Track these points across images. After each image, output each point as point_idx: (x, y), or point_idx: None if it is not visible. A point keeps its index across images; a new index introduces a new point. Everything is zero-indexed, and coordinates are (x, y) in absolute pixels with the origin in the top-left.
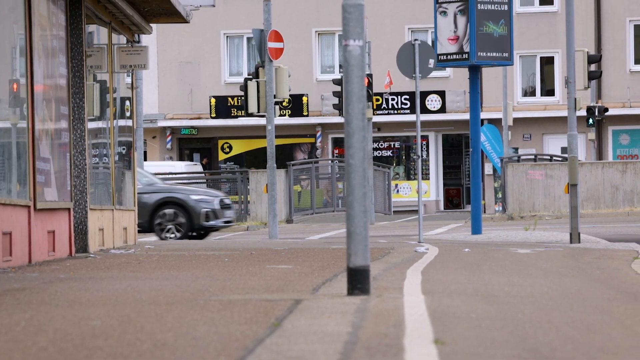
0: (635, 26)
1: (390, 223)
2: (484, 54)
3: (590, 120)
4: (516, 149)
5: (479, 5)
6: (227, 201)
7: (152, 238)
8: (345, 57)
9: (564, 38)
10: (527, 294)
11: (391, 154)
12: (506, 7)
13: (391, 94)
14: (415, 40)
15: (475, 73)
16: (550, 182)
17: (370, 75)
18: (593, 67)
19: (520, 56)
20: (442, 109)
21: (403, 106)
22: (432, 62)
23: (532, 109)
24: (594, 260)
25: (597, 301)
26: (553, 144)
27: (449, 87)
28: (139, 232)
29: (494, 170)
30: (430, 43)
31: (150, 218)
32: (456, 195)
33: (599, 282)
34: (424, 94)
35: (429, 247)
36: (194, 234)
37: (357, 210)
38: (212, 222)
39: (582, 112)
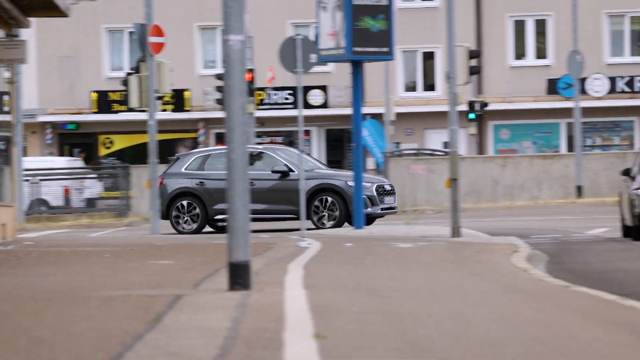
0: (515, 21)
1: None
2: (361, 49)
3: (471, 115)
4: (398, 144)
5: (354, 0)
6: (388, 187)
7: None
8: (226, 51)
9: (445, 33)
10: (408, 288)
11: None
12: (386, 2)
13: (274, 88)
14: (297, 35)
15: (357, 68)
16: (432, 176)
17: (252, 70)
18: (474, 62)
19: (402, 51)
20: (325, 104)
21: (286, 101)
22: (313, 57)
23: (414, 104)
24: (474, 254)
25: (476, 294)
26: (435, 139)
27: (331, 82)
28: (292, 219)
29: (377, 164)
30: (313, 38)
31: (308, 205)
32: None
33: (478, 276)
34: (307, 89)
35: (311, 242)
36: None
37: (239, 205)
38: (369, 210)
39: (463, 107)
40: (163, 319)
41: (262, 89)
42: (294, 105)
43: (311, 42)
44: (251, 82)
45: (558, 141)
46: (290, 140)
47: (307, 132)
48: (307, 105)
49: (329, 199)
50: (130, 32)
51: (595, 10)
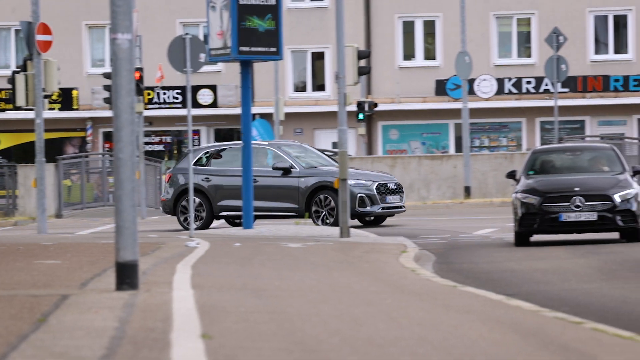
0: (404, 22)
1: (162, 218)
2: (248, 48)
3: (361, 116)
4: None
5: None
6: (392, 185)
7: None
8: (114, 50)
9: (335, 33)
10: (297, 288)
11: (163, 148)
12: (274, 2)
13: (163, 88)
14: (186, 34)
15: (246, 68)
16: None
17: (141, 69)
18: (363, 63)
19: (291, 51)
20: (214, 104)
21: (175, 100)
22: (203, 56)
23: (304, 104)
24: (363, 254)
25: (364, 294)
26: (324, 139)
27: (220, 81)
28: (294, 217)
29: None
30: (202, 37)
31: (307, 203)
32: None
33: (367, 276)
34: (196, 88)
35: (200, 242)
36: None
37: (126, 205)
38: (367, 209)
39: (353, 107)
40: (49, 319)
41: (150, 88)
42: (183, 104)
43: (200, 42)
44: (140, 81)
45: (447, 142)
46: (179, 139)
47: (196, 132)
48: (196, 105)
49: (328, 197)
50: (17, 30)
51: (483, 12)
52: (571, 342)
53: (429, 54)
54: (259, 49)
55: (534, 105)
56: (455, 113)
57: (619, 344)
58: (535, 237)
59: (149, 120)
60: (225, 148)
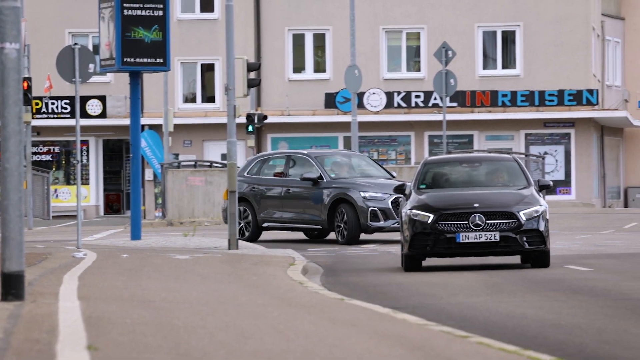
0: (294, 35)
1: (49, 228)
2: (132, 59)
3: (250, 128)
4: (177, 155)
5: (125, 10)
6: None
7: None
8: (2, 60)
9: (225, 45)
10: (184, 300)
11: (51, 159)
12: (161, 13)
13: (51, 98)
14: (75, 44)
15: (135, 79)
16: (210, 188)
17: (29, 79)
18: (253, 75)
19: (181, 62)
20: (103, 114)
21: (63, 110)
22: (92, 66)
23: (193, 115)
24: (251, 267)
25: (252, 307)
26: (213, 151)
27: (110, 92)
28: (319, 230)
29: (155, 176)
30: (91, 48)
31: (330, 216)
32: (116, 201)
33: (254, 288)
34: (85, 99)
35: (87, 253)
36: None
37: (13, 215)
38: (380, 223)
39: (242, 119)
40: None
41: (39, 98)
42: (72, 114)
43: (89, 52)
44: (28, 90)
45: None
46: (67, 149)
47: (84, 142)
48: (85, 115)
49: (343, 210)
50: None
51: (373, 26)
52: (457, 356)
53: (319, 67)
54: (145, 59)
55: (423, 119)
56: (344, 126)
57: (503, 357)
58: (428, 261)
59: (37, 130)
60: (268, 158)
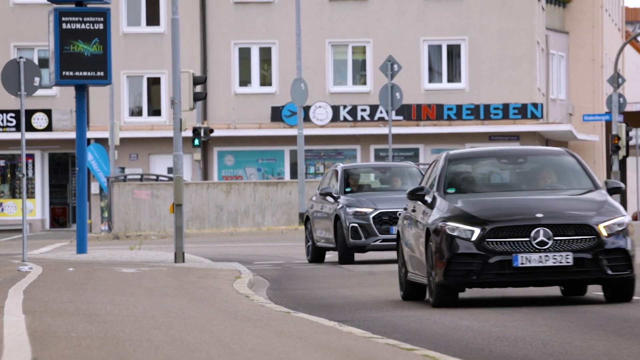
0: (240, 49)
1: None
2: (71, 72)
3: (196, 141)
4: (123, 169)
5: (64, 24)
6: (395, 213)
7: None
8: None
9: (171, 59)
10: (129, 313)
11: None
12: (102, 26)
13: None
14: (20, 57)
15: (81, 92)
16: (157, 201)
17: None
18: (199, 89)
19: (127, 76)
20: (49, 128)
21: (9, 124)
22: (37, 80)
23: (139, 129)
24: (197, 280)
25: (198, 320)
26: (160, 164)
27: (55, 105)
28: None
29: (101, 189)
30: (37, 61)
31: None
32: (62, 214)
33: (200, 301)
34: (30, 112)
35: (32, 267)
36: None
37: None
38: (361, 240)
39: (188, 133)
40: None
41: None
42: (17, 128)
43: (35, 65)
44: None
45: (282, 168)
46: (13, 163)
47: (30, 156)
48: (31, 129)
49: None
50: None
51: (319, 40)
52: None
53: (265, 81)
54: (85, 73)
55: (369, 132)
56: (290, 140)
57: None
58: (468, 292)
59: None
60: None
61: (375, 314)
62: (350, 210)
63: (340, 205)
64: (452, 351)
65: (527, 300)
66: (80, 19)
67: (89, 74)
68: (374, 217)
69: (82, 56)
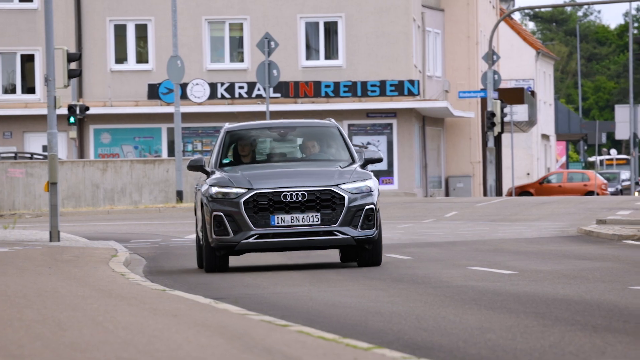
0: (116, 26)
1: None
2: None
3: (72, 119)
4: None
5: None
6: (280, 195)
7: None
8: None
9: (44, 36)
10: (1, 292)
11: None
12: None
13: None
14: None
15: None
16: (31, 180)
17: None
18: (73, 66)
19: (0, 53)
20: None
21: None
22: None
23: (13, 107)
24: (72, 259)
25: (71, 299)
26: (34, 142)
27: None
28: None
29: None
30: None
31: None
32: None
33: (75, 280)
34: None
35: None
36: None
37: None
38: (227, 237)
39: (64, 111)
40: None
41: None
42: None
43: None
44: None
45: (159, 146)
46: None
47: None
48: None
49: None
50: None
51: (195, 16)
52: (275, 345)
53: (142, 58)
54: None
55: (247, 110)
56: (167, 117)
57: (322, 345)
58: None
59: None
60: None
61: (253, 291)
62: (213, 191)
63: (206, 186)
64: (328, 327)
65: (402, 277)
66: None
67: None
68: (245, 202)
69: None
